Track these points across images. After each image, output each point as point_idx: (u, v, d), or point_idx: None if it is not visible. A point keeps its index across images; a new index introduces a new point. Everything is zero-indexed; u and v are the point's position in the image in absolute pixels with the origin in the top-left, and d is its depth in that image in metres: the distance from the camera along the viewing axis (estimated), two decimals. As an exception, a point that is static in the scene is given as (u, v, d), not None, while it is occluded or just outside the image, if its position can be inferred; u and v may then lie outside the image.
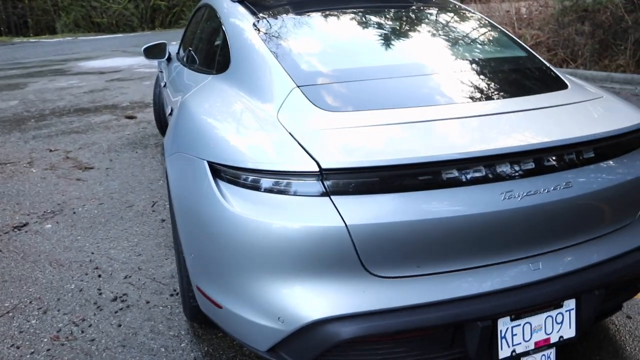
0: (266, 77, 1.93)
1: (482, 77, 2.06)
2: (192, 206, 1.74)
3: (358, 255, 1.45)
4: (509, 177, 1.53)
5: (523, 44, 2.34)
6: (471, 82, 1.99)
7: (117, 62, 11.80)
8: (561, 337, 1.67)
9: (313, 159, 1.46)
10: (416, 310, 1.48)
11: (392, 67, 2.03)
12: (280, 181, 1.51)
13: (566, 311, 1.66)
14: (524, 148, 1.51)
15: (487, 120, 1.67)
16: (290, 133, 1.60)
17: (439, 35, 2.46)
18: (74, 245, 3.08)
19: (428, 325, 1.47)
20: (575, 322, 1.67)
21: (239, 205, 1.54)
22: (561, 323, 1.66)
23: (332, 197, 1.46)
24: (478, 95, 1.91)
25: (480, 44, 2.44)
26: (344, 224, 1.42)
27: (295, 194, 1.49)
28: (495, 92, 1.94)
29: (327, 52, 2.16)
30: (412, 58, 2.14)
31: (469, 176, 1.49)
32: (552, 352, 1.69)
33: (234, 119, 1.85)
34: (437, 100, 1.83)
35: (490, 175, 1.51)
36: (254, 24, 2.24)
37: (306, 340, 1.49)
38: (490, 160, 1.50)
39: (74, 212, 3.55)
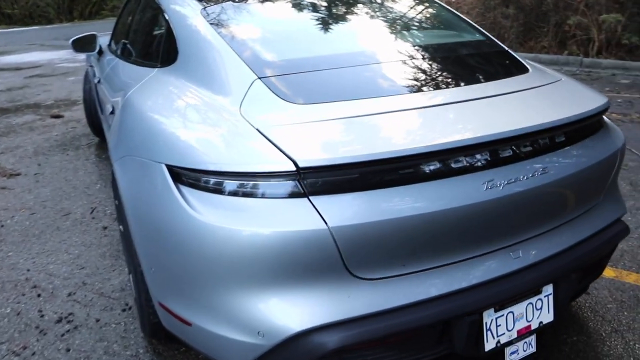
0: (222, 69, 1.78)
1: (446, 62, 2.01)
2: (152, 215, 1.57)
3: (342, 258, 1.36)
4: (489, 166, 1.48)
5: (480, 27, 2.32)
6: (436, 69, 1.94)
7: (36, 56, 10.96)
8: (541, 322, 1.66)
9: (288, 157, 1.34)
10: (405, 311, 1.40)
11: (354, 54, 1.94)
12: (252, 183, 1.38)
13: (545, 296, 1.65)
14: (503, 135, 1.47)
15: (461, 108, 1.61)
16: (258, 129, 1.47)
17: (397, 20, 2.39)
18: (5, 263, 2.78)
19: (418, 326, 1.40)
20: (553, 307, 1.67)
21: (207, 212, 1.40)
22: (540, 309, 1.65)
23: (310, 197, 1.35)
24: (445, 81, 1.86)
25: (437, 28, 2.40)
26: (326, 227, 1.32)
27: (269, 197, 1.37)
28: (462, 78, 1.90)
29: (286, 40, 2.03)
30: (372, 44, 2.06)
31: (451, 167, 1.43)
32: (532, 339, 1.68)
33: (191, 116, 1.69)
34: (404, 89, 1.76)
35: (471, 166, 1.46)
36: (202, 11, 2.07)
37: (290, 354, 1.38)
38: (471, 150, 1.44)
39: (2, 226, 3.21)
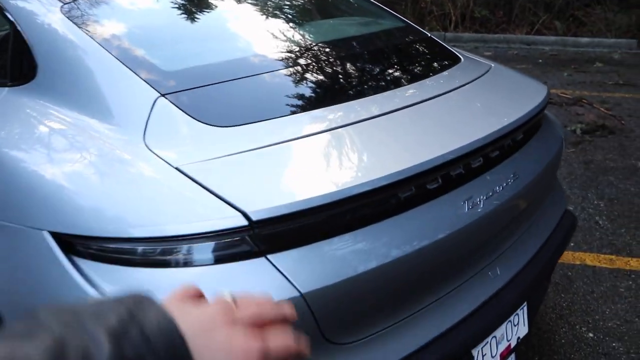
0: (107, 85, 1.33)
1: (372, 59, 1.75)
2: (34, 302, 1.12)
3: (318, 325, 1.05)
4: (463, 182, 1.26)
5: (393, 12, 2.10)
6: (363, 67, 1.67)
7: None
8: (518, 337, 1.52)
9: (234, 207, 0.99)
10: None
11: (271, 58, 1.59)
12: (186, 247, 1.01)
13: (520, 310, 1.51)
14: (473, 146, 1.25)
15: (414, 115, 1.36)
16: (178, 169, 1.08)
17: (309, 13, 2.08)
18: None
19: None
20: (528, 318, 1.54)
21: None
22: (517, 324, 1.50)
23: (269, 257, 1.02)
24: (380, 82, 1.60)
25: (348, 16, 2.13)
26: (298, 293, 1.00)
27: (214, 262, 1.01)
28: (397, 77, 1.65)
29: (184, 42, 1.62)
30: (291, 44, 1.72)
31: (426, 191, 1.18)
32: (512, 356, 1.54)
33: (75, 157, 1.24)
34: (340, 97, 1.45)
35: (446, 185, 1.22)
36: (63, 7, 1.56)
37: None
38: (445, 168, 1.20)
39: None
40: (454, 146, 1.20)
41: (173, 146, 1.17)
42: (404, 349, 1.17)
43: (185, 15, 1.74)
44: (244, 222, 0.98)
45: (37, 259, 1.09)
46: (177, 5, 1.76)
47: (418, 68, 1.74)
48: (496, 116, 1.40)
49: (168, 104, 1.26)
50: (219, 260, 1.01)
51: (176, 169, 1.09)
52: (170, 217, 1.02)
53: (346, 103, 1.37)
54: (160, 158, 1.12)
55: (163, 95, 1.28)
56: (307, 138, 1.20)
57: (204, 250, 1.01)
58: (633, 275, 2.39)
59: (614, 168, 3.45)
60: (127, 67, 1.35)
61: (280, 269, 1.01)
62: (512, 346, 1.49)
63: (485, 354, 1.39)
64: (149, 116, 1.24)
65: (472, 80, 1.60)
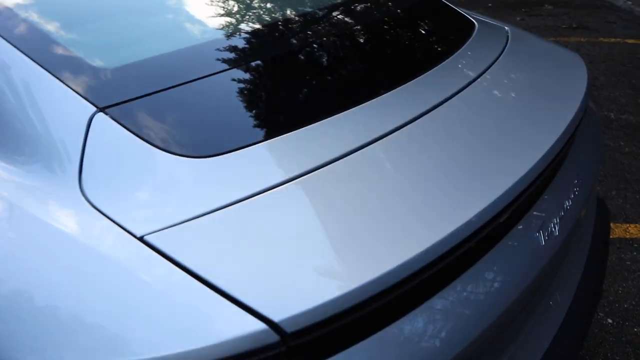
0: (8, 98, 0.89)
1: (376, 36, 1.36)
2: None
3: None
4: (530, 207, 0.96)
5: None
6: (370, 51, 1.29)
7: None
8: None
9: (255, 314, 0.64)
10: None
11: (246, 40, 1.18)
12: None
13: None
14: (544, 161, 0.95)
15: (447, 124, 1.02)
16: (144, 240, 0.71)
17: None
18: None
19: None
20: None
21: None
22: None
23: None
24: (396, 73, 1.22)
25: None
26: None
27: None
28: (414, 63, 1.26)
29: (119, 18, 1.16)
30: (266, 16, 1.31)
31: (490, 235, 0.87)
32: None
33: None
34: (344, 100, 1.05)
35: (513, 220, 0.92)
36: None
37: None
38: (515, 200, 0.89)
39: None
40: (523, 169, 0.89)
41: (127, 197, 0.77)
42: None
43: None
44: (274, 337, 0.63)
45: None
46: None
47: (432, 44, 1.38)
48: (551, 111, 1.09)
49: (112, 124, 0.85)
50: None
51: (141, 240, 0.71)
52: (138, 343, 0.64)
53: (359, 107, 0.99)
54: (113, 221, 0.73)
55: (102, 109, 0.86)
56: (325, 170, 0.84)
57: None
58: (636, 244, 2.25)
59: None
60: (42, 66, 0.91)
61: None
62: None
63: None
64: (84, 146, 0.82)
65: (498, 57, 1.27)
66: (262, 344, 0.62)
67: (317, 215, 0.76)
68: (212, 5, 1.27)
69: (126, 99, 0.89)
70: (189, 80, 0.96)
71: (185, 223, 0.72)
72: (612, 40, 4.81)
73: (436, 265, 0.75)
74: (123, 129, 0.84)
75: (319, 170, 0.82)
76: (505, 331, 0.91)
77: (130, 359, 0.61)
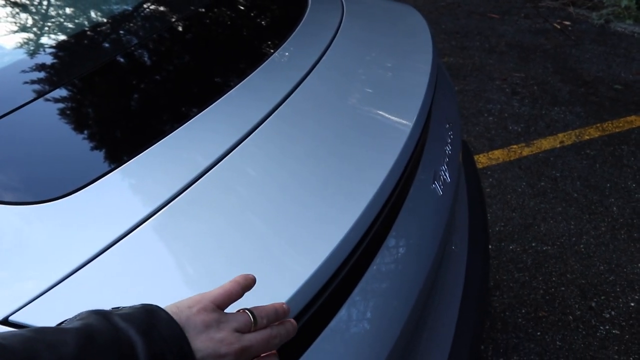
0: None
1: (202, 28, 1.23)
2: None
3: None
4: (420, 159, 0.95)
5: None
6: (207, 47, 1.15)
7: None
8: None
9: None
10: None
11: (54, 54, 0.98)
12: None
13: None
14: (422, 112, 0.93)
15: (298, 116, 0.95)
16: (9, 321, 0.54)
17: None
18: None
19: None
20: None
21: None
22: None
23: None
24: (236, 68, 1.10)
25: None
26: None
27: None
28: (254, 48, 1.16)
29: None
30: (72, 23, 1.10)
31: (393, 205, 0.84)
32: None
33: None
34: (189, 106, 0.92)
35: (410, 174, 0.89)
36: None
37: None
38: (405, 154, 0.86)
39: None
40: (407, 126, 0.86)
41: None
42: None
43: None
44: None
45: None
46: None
47: (269, 27, 1.28)
48: (411, 67, 1.08)
49: None
50: None
51: (6, 323, 0.55)
52: None
53: (207, 110, 0.86)
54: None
55: None
56: (185, 195, 0.71)
57: None
58: (489, 172, 2.46)
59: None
60: None
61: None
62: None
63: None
64: None
65: (339, 27, 1.21)
66: None
67: (186, 243, 0.65)
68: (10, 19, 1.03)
69: None
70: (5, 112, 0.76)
71: (52, 291, 0.56)
72: (416, -7, 5.19)
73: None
74: None
75: (183, 193, 0.70)
76: (433, 284, 0.89)
77: None
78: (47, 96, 0.82)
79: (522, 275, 1.90)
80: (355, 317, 0.70)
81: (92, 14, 1.11)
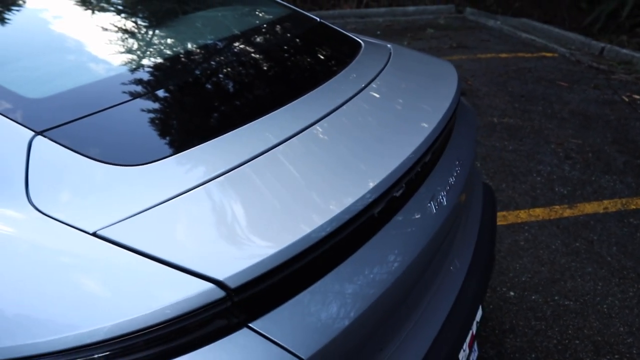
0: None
1: (274, 57, 1.53)
2: None
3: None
4: (422, 182, 1.15)
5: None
6: (270, 71, 1.44)
7: None
8: (477, 322, 1.48)
9: (202, 277, 0.75)
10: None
11: (150, 71, 1.28)
12: (143, 343, 0.75)
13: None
14: (427, 142, 1.14)
15: (356, 118, 1.20)
16: (97, 234, 0.80)
17: (169, 6, 1.77)
18: None
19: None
20: (480, 300, 1.51)
21: None
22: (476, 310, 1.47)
23: (252, 326, 0.80)
24: (291, 85, 1.39)
25: (223, 5, 1.87)
26: (298, 361, 0.80)
27: (187, 351, 0.76)
28: (304, 75, 1.44)
29: (33, 57, 1.23)
30: (167, 50, 1.43)
31: (394, 202, 1.05)
32: (475, 343, 1.50)
33: None
34: (271, 104, 1.21)
35: (410, 191, 1.10)
36: None
37: None
38: (408, 173, 1.07)
39: None
40: (408, 150, 1.07)
41: (75, 203, 0.86)
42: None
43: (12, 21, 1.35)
44: (220, 294, 0.75)
45: None
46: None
47: (323, 63, 1.57)
48: (430, 105, 1.30)
49: (50, 144, 0.94)
50: (192, 346, 0.77)
51: (95, 235, 0.80)
52: (113, 308, 0.74)
53: (266, 116, 1.14)
54: (65, 223, 0.82)
55: (40, 133, 0.95)
56: (253, 162, 0.97)
57: (171, 340, 0.75)
58: (526, 227, 2.56)
59: (477, 127, 3.69)
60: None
61: (272, 337, 0.80)
62: (474, 333, 1.45)
63: (465, 350, 1.32)
64: (27, 165, 0.91)
65: (383, 69, 1.48)
66: (211, 300, 0.73)
67: (243, 197, 0.89)
68: (127, 39, 1.37)
69: (57, 124, 0.97)
70: (103, 108, 1.06)
71: (131, 218, 0.82)
72: (489, 55, 5.39)
73: (349, 226, 0.90)
74: (59, 146, 0.92)
75: (243, 166, 0.96)
76: (411, 290, 1.07)
77: (102, 325, 0.71)
78: (159, 94, 1.13)
79: (539, 323, 1.98)
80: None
81: (205, 41, 1.43)
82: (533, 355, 1.85)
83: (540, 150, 3.34)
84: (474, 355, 1.47)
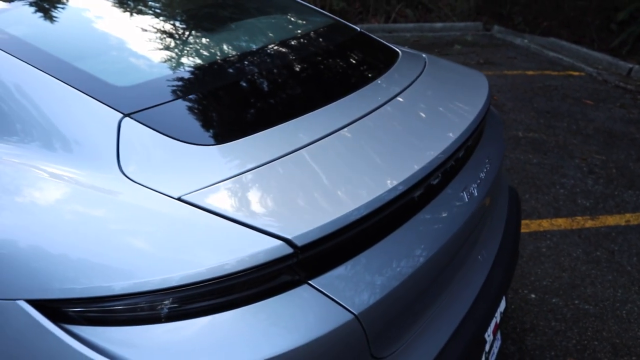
0: (56, 113, 1.11)
1: (319, 61, 1.67)
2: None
3: (368, 344, 0.99)
4: (456, 174, 1.28)
5: (315, 7, 2.05)
6: (320, 71, 1.59)
7: None
8: (501, 312, 1.58)
9: (273, 235, 0.88)
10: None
11: (215, 68, 1.44)
12: (218, 289, 0.88)
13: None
14: (462, 137, 1.27)
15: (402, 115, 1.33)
16: (181, 199, 0.94)
17: (222, 15, 1.94)
18: None
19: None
20: (504, 292, 1.62)
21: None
22: (500, 301, 1.57)
23: (312, 283, 0.93)
24: (338, 85, 1.53)
25: (288, 20, 2.03)
26: (352, 316, 0.93)
27: (254, 301, 0.90)
28: (351, 80, 1.58)
29: (117, 50, 1.40)
30: (220, 51, 1.58)
31: (432, 188, 1.18)
32: (499, 332, 1.60)
33: (40, 205, 1.01)
34: (320, 101, 1.35)
35: (445, 180, 1.22)
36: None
37: None
38: (444, 164, 1.20)
39: None
40: (445, 144, 1.20)
41: (160, 173, 1.01)
42: (433, 351, 1.16)
43: (97, 18, 1.52)
44: (288, 250, 0.88)
45: (26, 335, 0.88)
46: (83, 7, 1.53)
47: (364, 69, 1.70)
48: (462, 109, 1.43)
49: (136, 125, 1.09)
50: (259, 296, 0.90)
51: (179, 200, 0.94)
52: (193, 258, 0.88)
53: (321, 109, 1.28)
54: (152, 189, 0.97)
55: (128, 115, 1.10)
56: (310, 147, 1.11)
57: (242, 289, 0.89)
58: (548, 235, 2.64)
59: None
60: (68, 84, 1.14)
61: (328, 293, 0.93)
62: (498, 322, 1.55)
63: (489, 335, 1.43)
64: (118, 141, 1.06)
65: (419, 76, 1.61)
66: (280, 255, 0.87)
67: (310, 169, 1.04)
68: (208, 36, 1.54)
69: (142, 108, 1.13)
70: (181, 96, 1.22)
71: (210, 187, 0.96)
72: (515, 72, 5.48)
73: (398, 200, 1.04)
74: (144, 126, 1.07)
75: (306, 147, 1.10)
76: (445, 268, 1.19)
77: (189, 271, 0.85)
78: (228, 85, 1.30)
79: (559, 324, 2.07)
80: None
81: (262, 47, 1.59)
82: (552, 353, 1.93)
83: (563, 164, 3.42)
84: (498, 343, 1.57)
